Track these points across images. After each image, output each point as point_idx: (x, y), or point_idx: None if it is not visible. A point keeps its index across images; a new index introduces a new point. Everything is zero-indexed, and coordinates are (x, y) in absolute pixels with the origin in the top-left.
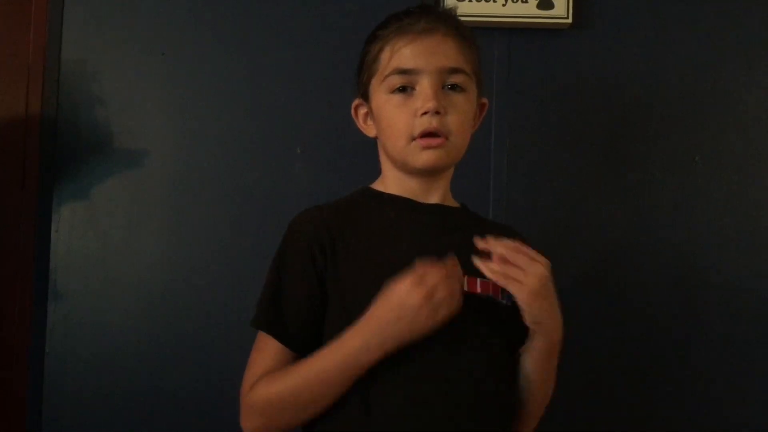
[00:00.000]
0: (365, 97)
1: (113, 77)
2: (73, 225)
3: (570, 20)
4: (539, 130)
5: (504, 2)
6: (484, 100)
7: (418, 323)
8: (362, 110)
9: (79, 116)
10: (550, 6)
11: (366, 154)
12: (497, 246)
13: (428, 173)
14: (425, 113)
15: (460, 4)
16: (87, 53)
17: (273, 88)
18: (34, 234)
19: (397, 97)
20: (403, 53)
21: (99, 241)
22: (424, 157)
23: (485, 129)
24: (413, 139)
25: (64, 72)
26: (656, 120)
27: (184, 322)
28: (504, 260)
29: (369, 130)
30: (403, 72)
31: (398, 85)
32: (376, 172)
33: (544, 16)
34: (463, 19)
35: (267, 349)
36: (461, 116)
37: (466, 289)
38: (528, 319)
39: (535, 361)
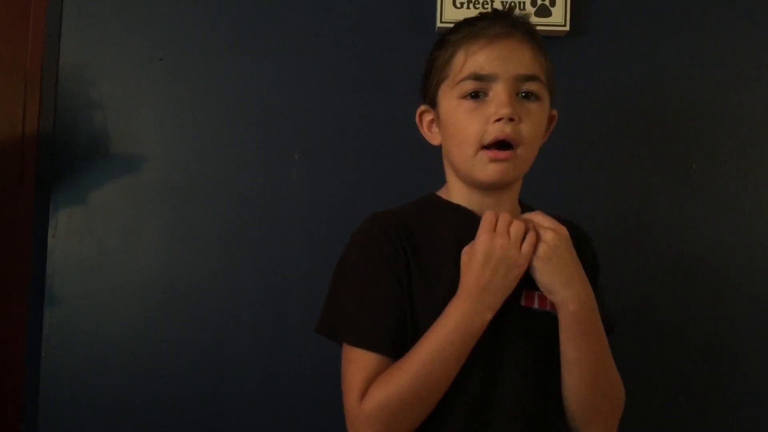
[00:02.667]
0: (432, 103)
1: (111, 82)
2: (69, 230)
3: (567, 27)
4: None
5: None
6: (554, 112)
7: (514, 265)
8: (428, 117)
9: (76, 121)
10: (548, 13)
11: (364, 160)
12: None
13: (492, 188)
14: (499, 120)
15: (458, 11)
16: (85, 58)
17: (271, 94)
18: (30, 238)
19: (469, 103)
20: (478, 58)
21: (96, 246)
22: (489, 171)
23: None
24: (482, 147)
25: (62, 77)
26: (653, 127)
27: (181, 327)
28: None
29: (434, 137)
30: (477, 77)
31: (471, 91)
32: (374, 176)
33: (542, 24)
34: None
35: (364, 359)
36: (535, 126)
37: (523, 303)
38: (541, 286)
39: (563, 337)
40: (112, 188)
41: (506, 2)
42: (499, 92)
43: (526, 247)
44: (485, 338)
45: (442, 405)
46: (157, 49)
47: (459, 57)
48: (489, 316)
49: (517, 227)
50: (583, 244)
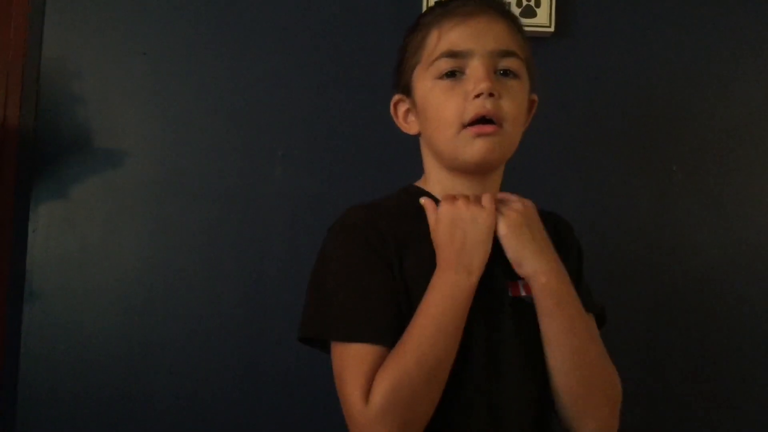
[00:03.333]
0: (406, 91)
1: (94, 76)
2: (50, 225)
3: (552, 28)
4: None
5: None
6: (535, 97)
7: (483, 224)
8: (403, 107)
9: (58, 115)
10: (533, 14)
11: (348, 157)
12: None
13: (479, 169)
14: (478, 96)
15: None
16: (68, 52)
17: (255, 91)
18: (11, 233)
19: (446, 82)
20: (452, 35)
21: (77, 242)
22: (476, 147)
23: None
24: (464, 126)
25: (44, 70)
26: (635, 129)
27: (162, 324)
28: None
29: (411, 127)
30: (452, 55)
31: (447, 70)
32: (359, 173)
33: (527, 24)
34: None
35: (361, 354)
36: (516, 103)
37: (510, 294)
38: (509, 255)
39: (540, 314)
40: (93, 183)
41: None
42: (476, 68)
43: (486, 201)
44: (482, 334)
45: (448, 404)
46: (140, 44)
47: (432, 37)
48: (474, 278)
49: (474, 195)
50: (567, 234)
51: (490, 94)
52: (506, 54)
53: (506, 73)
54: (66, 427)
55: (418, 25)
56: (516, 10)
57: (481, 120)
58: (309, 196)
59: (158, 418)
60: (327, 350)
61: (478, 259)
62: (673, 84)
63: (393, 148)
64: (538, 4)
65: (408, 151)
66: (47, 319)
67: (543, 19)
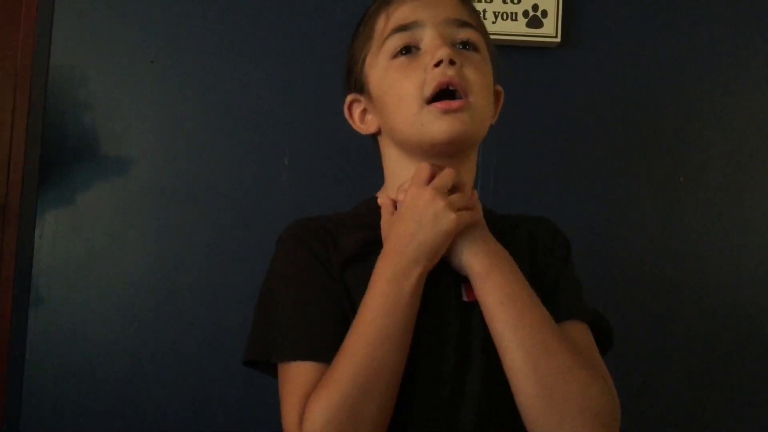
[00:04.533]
0: (359, 88)
1: (101, 83)
2: (57, 230)
3: (558, 39)
4: (526, 148)
5: (494, 20)
6: (499, 88)
7: (441, 220)
8: (358, 107)
9: (66, 121)
10: (539, 24)
11: (354, 165)
12: None
13: (449, 149)
14: (438, 65)
15: None
16: (75, 59)
17: (261, 98)
18: (17, 239)
19: (400, 60)
20: (399, 12)
21: (83, 248)
22: (444, 124)
23: None
24: (426, 102)
25: (52, 77)
26: (642, 139)
27: (167, 330)
28: None
29: (368, 126)
30: (403, 28)
31: (400, 46)
32: (363, 182)
33: (533, 35)
34: None
35: (300, 373)
36: (480, 73)
37: (466, 299)
38: (462, 248)
39: (485, 313)
40: (100, 189)
41: (498, 12)
42: (431, 38)
43: (455, 197)
44: (429, 342)
45: (401, 417)
46: (148, 51)
47: (380, 22)
48: (417, 271)
49: (446, 175)
50: (547, 235)
51: (451, 62)
52: (462, 24)
53: (465, 45)
54: (71, 430)
55: (363, 17)
56: (523, 21)
57: (446, 94)
58: (314, 204)
59: (163, 424)
60: (274, 374)
61: (427, 252)
62: (680, 94)
63: None
64: (544, 14)
65: None
66: (53, 325)
67: (549, 29)
